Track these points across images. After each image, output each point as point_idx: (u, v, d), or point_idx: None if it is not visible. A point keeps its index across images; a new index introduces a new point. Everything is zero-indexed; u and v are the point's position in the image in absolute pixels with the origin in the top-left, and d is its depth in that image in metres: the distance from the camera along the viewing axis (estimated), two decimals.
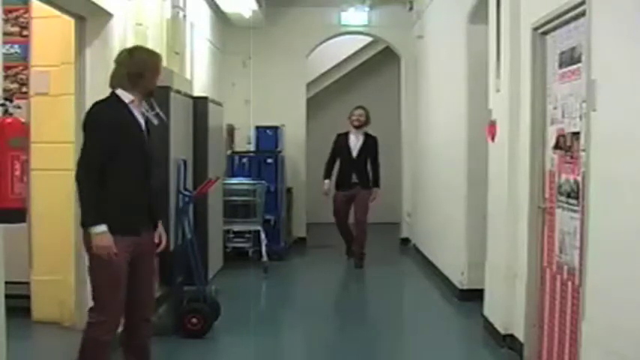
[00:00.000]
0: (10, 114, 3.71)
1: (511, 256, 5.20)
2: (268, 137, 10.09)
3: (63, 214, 5.34)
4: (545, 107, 4.67)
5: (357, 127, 9.00)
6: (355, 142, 9.00)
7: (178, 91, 6.24)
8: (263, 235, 8.62)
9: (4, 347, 3.89)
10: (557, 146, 4.44)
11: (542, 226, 4.70)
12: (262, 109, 10.50)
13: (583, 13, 3.90)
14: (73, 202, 4.93)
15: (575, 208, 4.08)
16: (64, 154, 5.31)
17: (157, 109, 4.21)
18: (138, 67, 3.97)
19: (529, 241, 4.85)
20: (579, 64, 4.05)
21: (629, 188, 3.38)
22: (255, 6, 9.34)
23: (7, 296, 3.90)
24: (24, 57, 5.78)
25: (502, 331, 5.31)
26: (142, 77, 3.97)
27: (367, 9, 10.69)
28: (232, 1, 9.16)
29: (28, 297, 5.59)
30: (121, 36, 5.39)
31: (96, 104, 3.99)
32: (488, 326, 5.64)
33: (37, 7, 5.49)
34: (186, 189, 5.99)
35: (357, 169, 8.93)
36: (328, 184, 9.16)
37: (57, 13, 5.14)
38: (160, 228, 4.18)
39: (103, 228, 3.76)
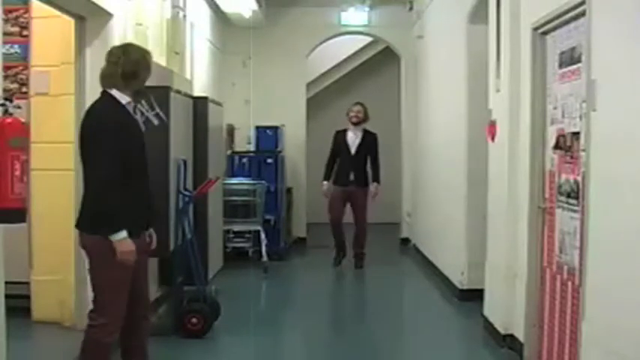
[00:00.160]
0: (10, 114, 3.71)
1: (511, 256, 5.20)
2: (268, 137, 10.09)
3: (63, 214, 5.32)
4: (545, 107, 4.67)
5: (356, 124, 8.88)
6: (354, 138, 8.88)
7: (178, 91, 6.23)
8: (263, 235, 8.62)
9: (4, 347, 3.89)
10: (557, 146, 4.44)
11: (542, 226, 4.70)
12: (262, 109, 10.50)
13: (583, 13, 3.90)
14: (73, 202, 4.94)
15: (575, 208, 4.08)
16: (64, 154, 5.31)
17: (157, 109, 4.20)
18: (132, 66, 3.85)
19: (529, 241, 4.85)
20: (579, 64, 4.05)
21: (629, 188, 3.38)
22: (255, 6, 9.33)
23: (7, 296, 3.90)
24: (24, 57, 5.76)
25: (502, 331, 5.31)
26: (136, 77, 3.87)
27: (367, 9, 10.68)
28: (232, 1, 9.16)
29: (28, 297, 5.58)
30: (121, 36, 5.38)
31: (94, 108, 3.91)
32: (488, 326, 5.64)
33: (37, 7, 5.48)
34: (186, 189, 5.98)
35: (355, 166, 8.81)
36: (327, 185, 9.08)
37: (57, 13, 5.14)
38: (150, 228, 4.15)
39: (124, 234, 3.73)
